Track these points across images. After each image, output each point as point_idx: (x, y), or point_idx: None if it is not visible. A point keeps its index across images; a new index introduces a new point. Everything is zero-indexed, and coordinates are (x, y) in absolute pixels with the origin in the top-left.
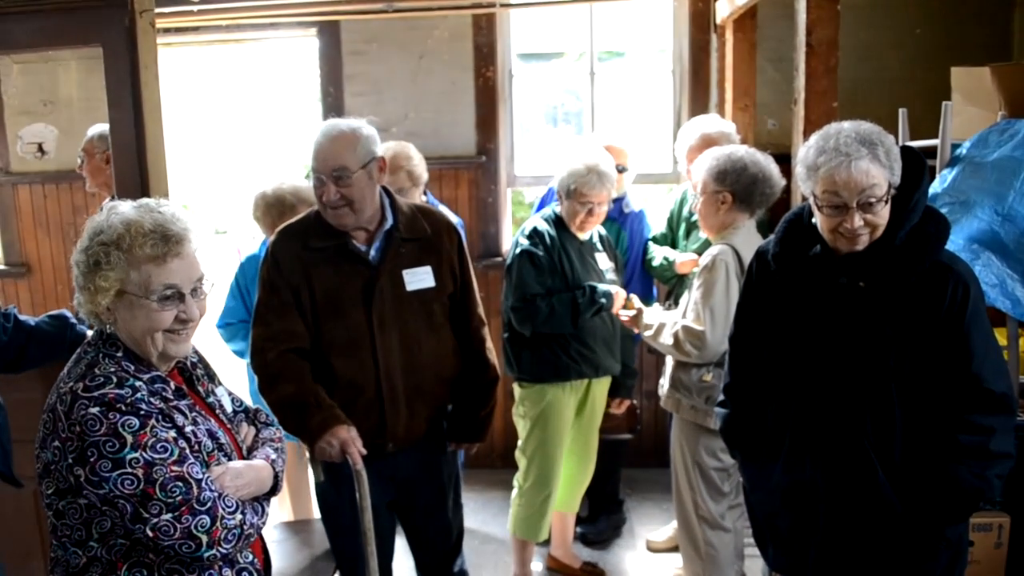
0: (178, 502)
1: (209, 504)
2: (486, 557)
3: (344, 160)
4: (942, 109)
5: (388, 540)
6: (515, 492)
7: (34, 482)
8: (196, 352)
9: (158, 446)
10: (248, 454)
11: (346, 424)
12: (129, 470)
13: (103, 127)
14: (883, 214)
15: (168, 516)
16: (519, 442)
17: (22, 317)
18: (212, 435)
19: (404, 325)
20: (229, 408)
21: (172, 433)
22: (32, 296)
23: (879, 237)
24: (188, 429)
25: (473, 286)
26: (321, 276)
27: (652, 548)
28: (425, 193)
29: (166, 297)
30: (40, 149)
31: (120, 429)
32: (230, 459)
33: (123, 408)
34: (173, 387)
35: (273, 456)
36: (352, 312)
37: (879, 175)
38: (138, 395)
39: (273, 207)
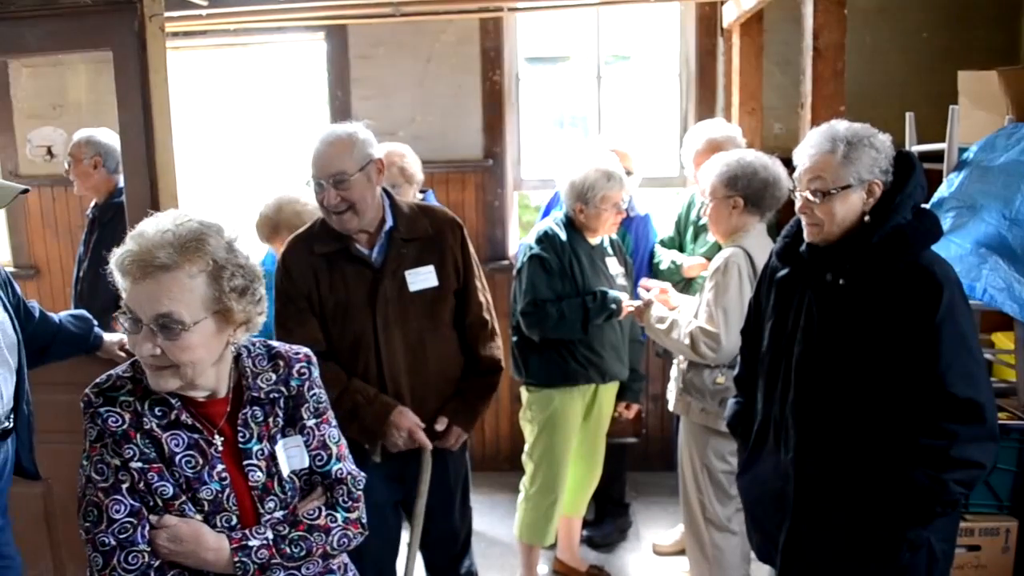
0: (87, 528)
1: (107, 550)
2: (492, 560)
3: (342, 164)
4: (949, 113)
5: (395, 540)
6: (521, 496)
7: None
8: (300, 386)
9: (99, 466)
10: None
11: (396, 407)
12: (82, 471)
13: (90, 132)
14: (831, 209)
15: (82, 532)
16: (526, 446)
17: (48, 314)
18: (188, 484)
19: (408, 326)
20: (286, 469)
21: (116, 461)
22: (40, 298)
23: (858, 235)
24: (135, 465)
25: (475, 281)
26: (327, 280)
27: (658, 551)
28: (423, 191)
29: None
30: (49, 152)
31: (86, 429)
32: (211, 516)
33: (91, 413)
34: (181, 417)
35: (256, 544)
36: (357, 315)
37: (828, 170)
38: (109, 407)
39: (269, 222)
